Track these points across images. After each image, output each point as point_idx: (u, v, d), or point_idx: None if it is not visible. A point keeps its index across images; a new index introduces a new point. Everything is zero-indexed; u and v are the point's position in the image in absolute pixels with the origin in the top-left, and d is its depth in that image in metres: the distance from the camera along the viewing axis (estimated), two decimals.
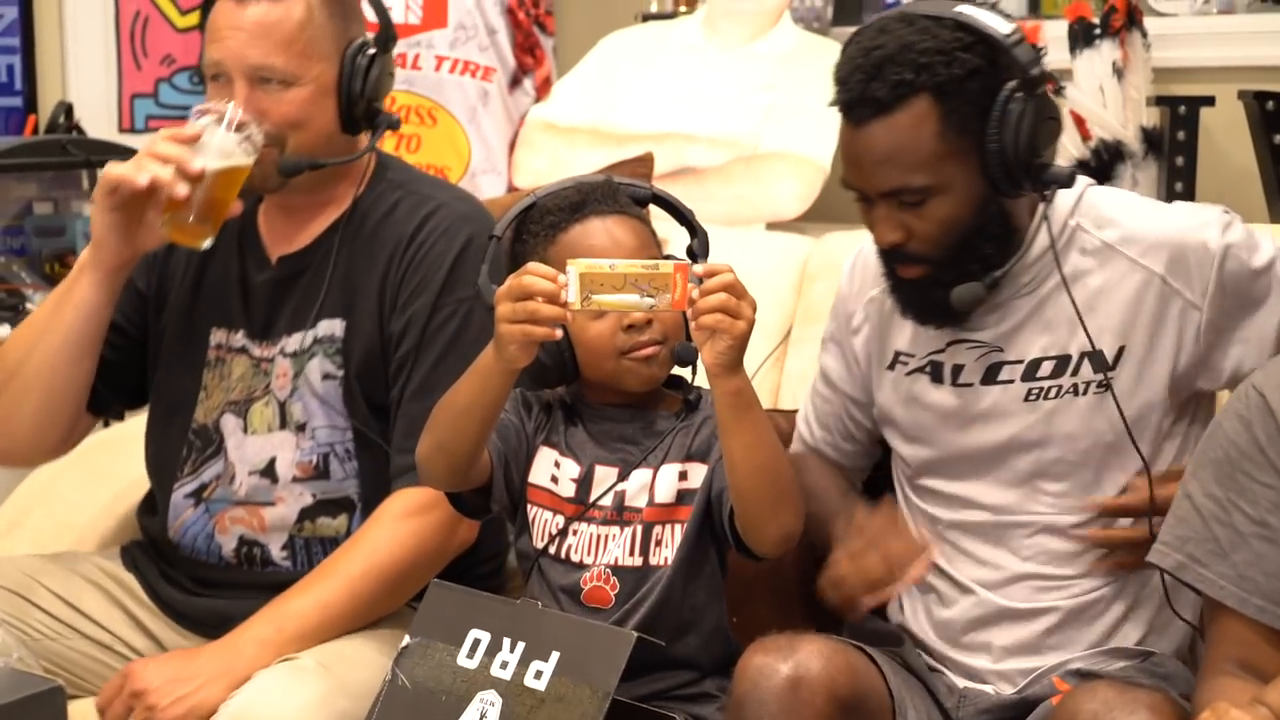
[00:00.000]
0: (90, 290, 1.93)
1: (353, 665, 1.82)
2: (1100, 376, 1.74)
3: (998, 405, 1.79)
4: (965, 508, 1.83)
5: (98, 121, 3.60)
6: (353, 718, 1.74)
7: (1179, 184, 3.00)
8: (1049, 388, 1.77)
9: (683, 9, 3.75)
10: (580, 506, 1.77)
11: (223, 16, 1.93)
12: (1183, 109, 3.01)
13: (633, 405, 1.81)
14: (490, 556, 2.05)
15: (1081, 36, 2.97)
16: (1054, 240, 1.75)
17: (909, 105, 1.69)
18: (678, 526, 1.76)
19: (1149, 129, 2.96)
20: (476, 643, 1.63)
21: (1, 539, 2.36)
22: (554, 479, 1.80)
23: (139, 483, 2.17)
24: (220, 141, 1.85)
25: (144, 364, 2.10)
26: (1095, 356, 1.75)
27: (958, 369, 1.82)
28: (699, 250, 1.83)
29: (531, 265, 1.61)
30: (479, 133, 3.67)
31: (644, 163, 2.96)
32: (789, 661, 1.62)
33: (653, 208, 1.88)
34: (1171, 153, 3.00)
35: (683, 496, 1.77)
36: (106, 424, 2.61)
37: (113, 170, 1.86)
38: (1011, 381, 1.78)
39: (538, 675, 1.59)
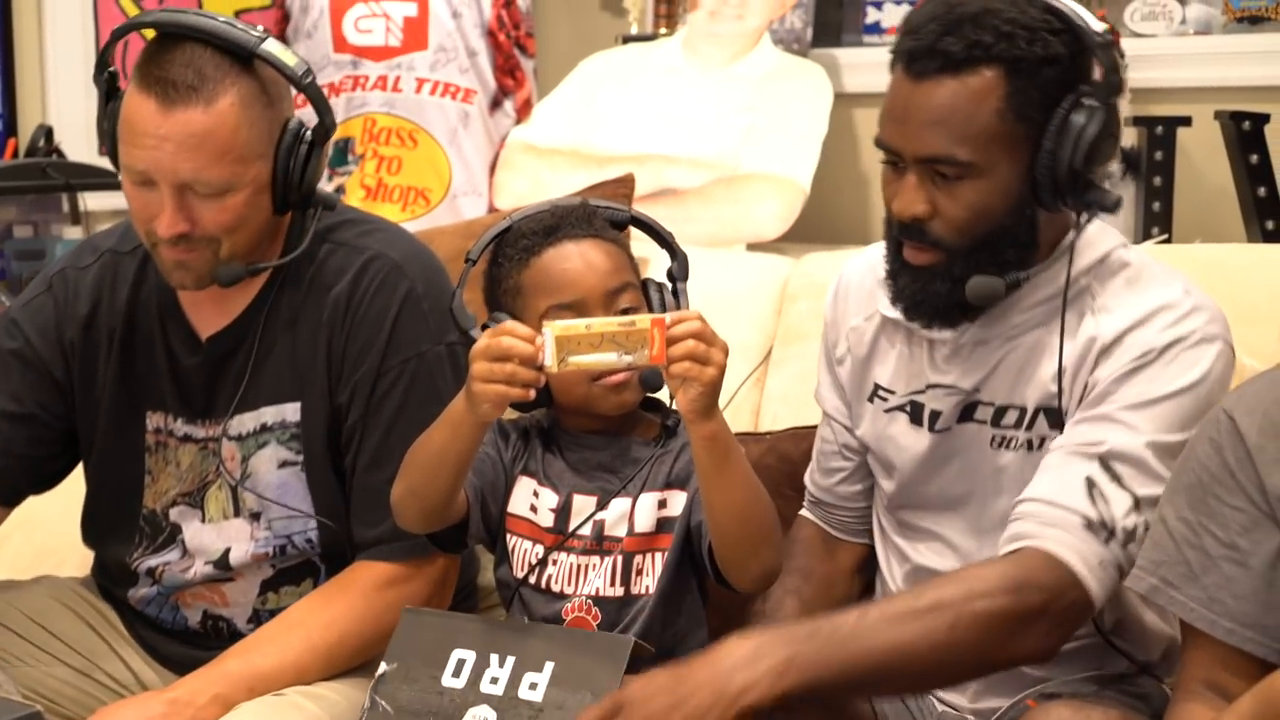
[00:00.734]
0: None
1: (335, 697, 1.80)
2: (1055, 434, 1.67)
3: (970, 446, 1.75)
4: (936, 544, 1.80)
5: (78, 145, 3.59)
6: None
7: (1156, 204, 3.02)
8: (1009, 437, 1.72)
9: (663, 31, 3.77)
10: (559, 536, 1.76)
11: (143, 119, 1.74)
12: (1160, 129, 3.04)
13: (609, 432, 1.80)
14: (459, 588, 2.00)
15: None
16: (1068, 285, 1.67)
17: (978, 71, 1.61)
18: (658, 555, 1.75)
19: (1127, 149, 2.95)
20: (461, 662, 1.62)
21: None
22: (533, 508, 1.79)
23: None
24: None
25: (66, 453, 2.01)
26: (1052, 413, 1.68)
27: (935, 415, 1.77)
28: (678, 273, 1.83)
29: (509, 325, 1.60)
30: (460, 154, 3.68)
31: (624, 184, 2.96)
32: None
33: (635, 230, 1.88)
34: (1149, 173, 3.02)
35: (663, 525, 1.76)
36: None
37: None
38: (984, 423, 1.73)
39: (532, 686, 1.58)
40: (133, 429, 1.96)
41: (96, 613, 2.04)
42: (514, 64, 3.75)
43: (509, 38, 3.74)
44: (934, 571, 1.77)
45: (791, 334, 2.52)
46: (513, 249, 1.80)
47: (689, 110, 3.44)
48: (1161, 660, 1.76)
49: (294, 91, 1.85)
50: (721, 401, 1.95)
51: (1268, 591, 1.44)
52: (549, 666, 1.58)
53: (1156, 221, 3.02)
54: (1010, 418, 1.71)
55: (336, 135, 3.48)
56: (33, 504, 2.39)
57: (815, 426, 2.06)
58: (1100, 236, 1.72)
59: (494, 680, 1.59)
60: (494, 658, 1.61)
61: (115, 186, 3.36)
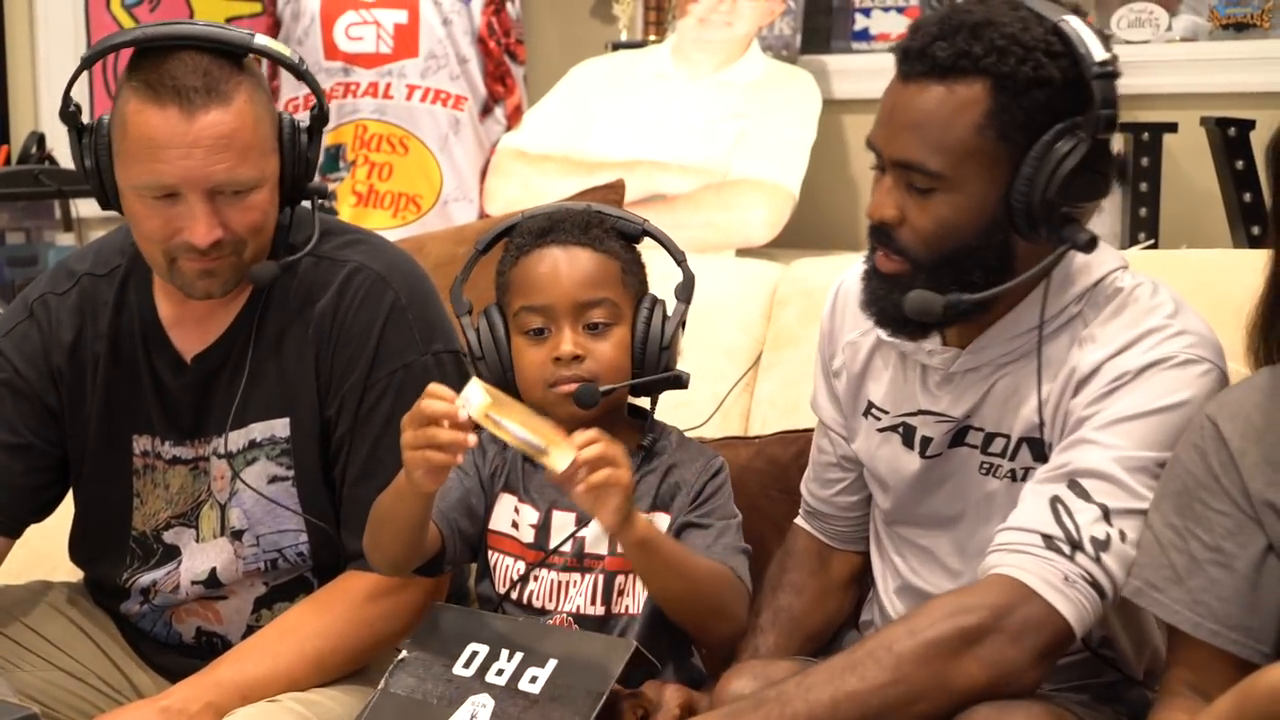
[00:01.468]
0: None
1: (329, 704, 1.80)
2: (1039, 465, 1.63)
3: (960, 470, 1.73)
4: (931, 564, 1.78)
5: (70, 151, 3.59)
6: None
7: (1143, 209, 3.04)
8: (996, 465, 1.69)
9: (652, 38, 3.78)
10: (540, 553, 1.77)
11: (163, 132, 1.72)
12: (1146, 135, 3.06)
13: None
14: (451, 596, 2.01)
15: None
16: (1042, 320, 1.63)
17: (963, 81, 1.56)
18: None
19: (1113, 155, 2.99)
20: (474, 654, 1.65)
21: None
22: (514, 524, 1.80)
23: None
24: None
25: (61, 480, 2.00)
26: (1035, 445, 1.65)
27: (927, 440, 1.74)
28: (681, 294, 1.83)
29: (431, 387, 1.59)
30: (450, 161, 3.68)
31: (615, 190, 2.97)
32: (765, 684, 1.59)
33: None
34: (1136, 178, 3.04)
35: None
36: None
37: None
38: (975, 448, 1.71)
39: (533, 680, 1.60)
40: (119, 453, 1.95)
41: (90, 619, 2.05)
42: (504, 71, 3.76)
43: (499, 45, 3.75)
44: (924, 594, 1.75)
45: (781, 339, 2.53)
46: (511, 245, 1.83)
47: (679, 116, 3.45)
48: (1152, 672, 1.75)
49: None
50: (711, 406, 1.97)
51: (1252, 594, 1.46)
52: (551, 663, 1.61)
53: (1143, 227, 3.04)
54: (998, 446, 1.69)
55: (328, 142, 3.51)
56: None
57: (804, 430, 2.07)
58: (1097, 259, 1.66)
59: (499, 672, 1.62)
60: (504, 652, 1.64)
61: None
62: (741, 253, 3.20)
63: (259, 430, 1.89)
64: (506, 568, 1.79)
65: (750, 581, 1.78)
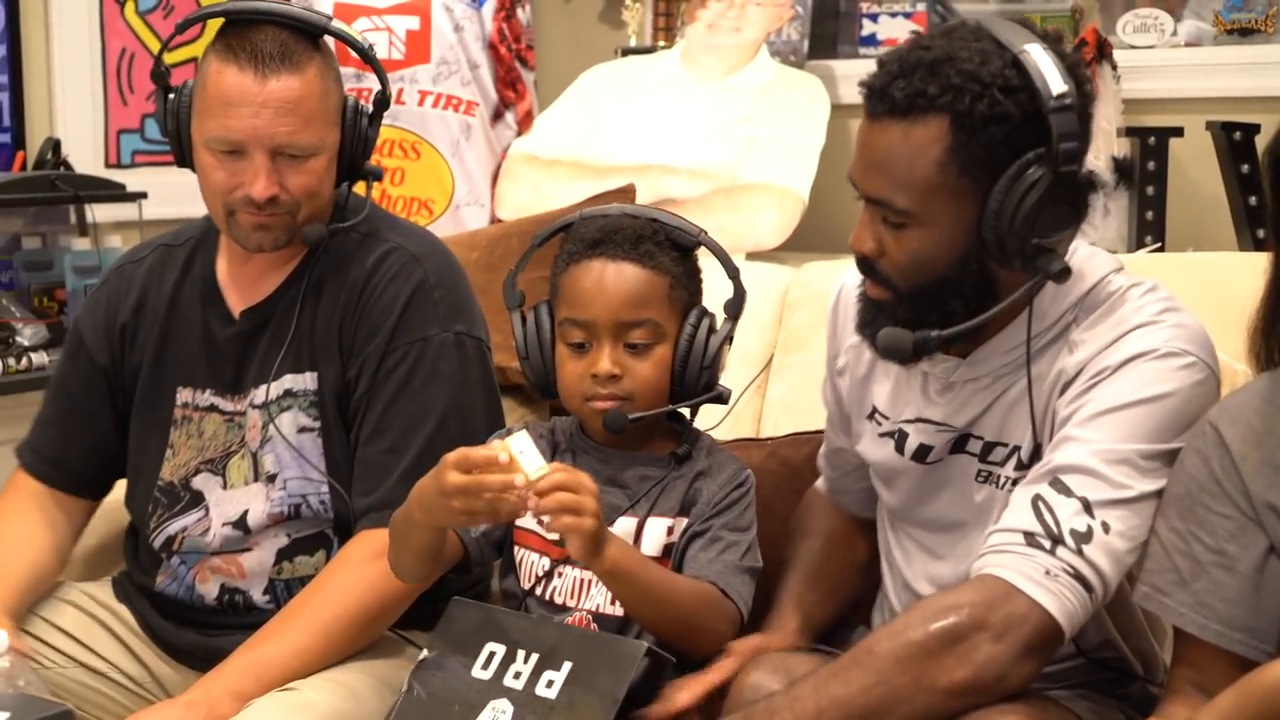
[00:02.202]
0: None
1: (349, 693, 1.83)
2: (1021, 475, 1.64)
3: (960, 476, 1.74)
4: (937, 565, 1.79)
5: (85, 157, 3.63)
6: None
7: (1150, 213, 3.05)
8: (995, 473, 1.70)
9: (661, 44, 3.80)
10: (564, 549, 1.76)
11: (238, 90, 1.87)
12: (1152, 140, 3.07)
13: (620, 445, 1.81)
14: (475, 582, 2.06)
15: None
16: (1029, 342, 1.64)
17: (922, 120, 1.57)
18: None
19: (1120, 159, 3.00)
20: (491, 655, 1.67)
21: None
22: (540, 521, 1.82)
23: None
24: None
25: (126, 435, 2.11)
26: (1033, 451, 1.65)
27: (926, 449, 1.75)
28: (730, 310, 1.83)
29: (474, 455, 1.58)
30: (462, 166, 3.70)
31: (625, 194, 2.99)
32: (784, 678, 1.62)
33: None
34: (1142, 182, 3.05)
35: (669, 551, 1.77)
36: None
37: None
38: (974, 456, 1.72)
39: (549, 684, 1.62)
40: (163, 403, 2.05)
41: (111, 614, 2.08)
42: (515, 76, 3.78)
43: (510, 50, 3.77)
44: (921, 597, 1.76)
45: (792, 342, 2.55)
46: (565, 247, 1.83)
47: (688, 121, 3.46)
48: (1152, 670, 1.78)
49: None
50: (723, 409, 1.98)
51: (1255, 595, 1.48)
52: (566, 666, 1.63)
53: (1149, 231, 3.05)
54: (998, 455, 1.70)
55: None
56: None
57: (816, 432, 2.10)
58: (1089, 265, 1.68)
59: (516, 675, 1.64)
60: (520, 653, 1.66)
61: (121, 198, 3.43)
62: (751, 256, 3.21)
63: (291, 380, 1.98)
64: (532, 564, 1.81)
65: (750, 599, 1.77)
